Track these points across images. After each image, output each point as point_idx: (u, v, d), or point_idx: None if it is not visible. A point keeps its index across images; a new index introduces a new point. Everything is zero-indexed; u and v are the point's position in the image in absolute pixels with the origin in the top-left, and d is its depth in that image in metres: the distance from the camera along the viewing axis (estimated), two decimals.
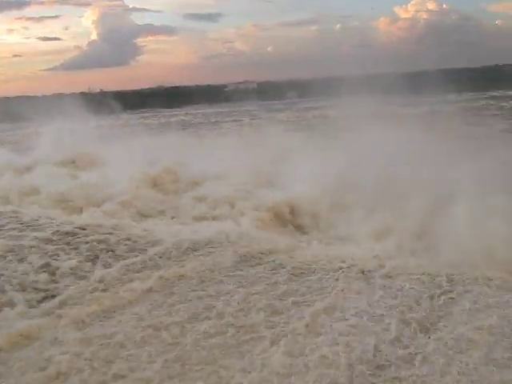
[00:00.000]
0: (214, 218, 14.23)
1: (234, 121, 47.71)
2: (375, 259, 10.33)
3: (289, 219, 14.18)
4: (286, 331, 7.55)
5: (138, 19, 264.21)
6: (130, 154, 20.72)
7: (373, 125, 18.36)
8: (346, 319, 7.90)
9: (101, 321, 8.13)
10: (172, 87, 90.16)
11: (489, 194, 11.36)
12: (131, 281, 9.49)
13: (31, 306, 8.59)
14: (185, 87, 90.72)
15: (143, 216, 14.89)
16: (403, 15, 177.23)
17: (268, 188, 16.08)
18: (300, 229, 13.82)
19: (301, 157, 17.59)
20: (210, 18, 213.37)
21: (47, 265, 10.07)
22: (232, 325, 7.78)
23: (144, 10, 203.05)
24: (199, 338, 7.49)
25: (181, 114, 64.02)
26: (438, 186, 12.85)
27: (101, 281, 9.50)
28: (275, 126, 30.45)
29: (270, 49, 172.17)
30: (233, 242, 11.33)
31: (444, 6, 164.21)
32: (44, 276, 9.62)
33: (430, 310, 8.16)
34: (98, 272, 9.86)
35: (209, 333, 7.60)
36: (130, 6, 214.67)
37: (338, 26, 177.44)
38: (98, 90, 76.88)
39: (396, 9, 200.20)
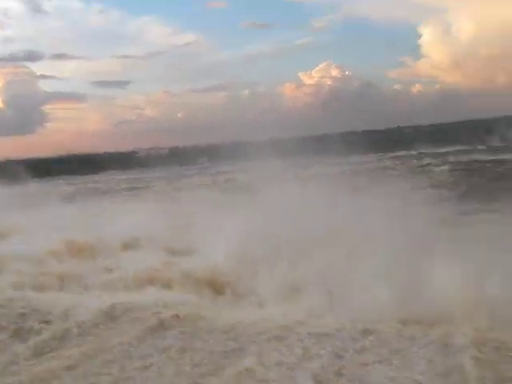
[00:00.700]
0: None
1: (147, 187, 47.35)
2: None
3: (212, 286, 14.08)
4: None
5: (46, 86, 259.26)
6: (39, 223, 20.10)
7: (281, 186, 18.84)
8: None
9: None
10: (82, 154, 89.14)
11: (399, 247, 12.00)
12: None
13: None
14: (95, 154, 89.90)
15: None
16: (308, 81, 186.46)
17: (186, 255, 15.95)
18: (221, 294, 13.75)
19: (214, 219, 17.60)
20: (119, 85, 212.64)
21: None
22: None
23: (52, 77, 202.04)
24: None
25: (92, 181, 62.84)
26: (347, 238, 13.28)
27: None
28: (187, 191, 30.55)
29: (180, 115, 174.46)
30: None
31: (347, 72, 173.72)
32: None
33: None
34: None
35: None
36: (38, 74, 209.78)
37: (246, 91, 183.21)
38: (4, 159, 74.28)
39: (301, 74, 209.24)
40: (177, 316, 10.96)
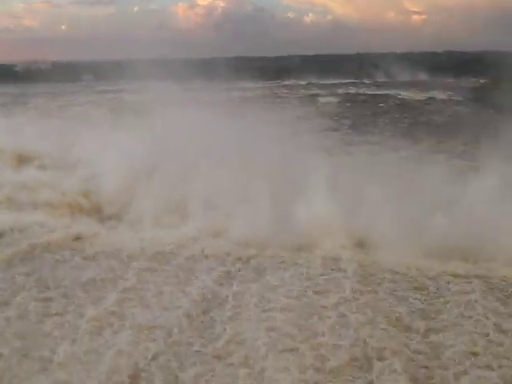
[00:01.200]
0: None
1: (26, 103, 44.27)
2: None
3: (88, 207, 13.64)
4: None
5: None
6: None
7: (176, 110, 18.28)
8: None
9: None
10: None
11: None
12: None
13: None
14: None
15: None
16: (201, 2, 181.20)
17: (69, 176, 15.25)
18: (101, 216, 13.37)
19: (105, 142, 16.83)
20: None
21: None
22: None
23: None
24: None
25: None
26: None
27: None
28: (71, 108, 28.97)
29: (63, 27, 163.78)
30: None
31: None
32: None
33: None
34: None
35: None
36: None
37: (136, 8, 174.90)
38: None
39: None
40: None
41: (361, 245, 10.49)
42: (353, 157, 18.49)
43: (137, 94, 33.13)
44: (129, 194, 13.24)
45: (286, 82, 63.55)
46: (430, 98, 44.12)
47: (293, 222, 10.78)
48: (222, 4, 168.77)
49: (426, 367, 6.55)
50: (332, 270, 9.53)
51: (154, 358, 6.73)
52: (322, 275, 9.33)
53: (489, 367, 6.46)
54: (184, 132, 15.98)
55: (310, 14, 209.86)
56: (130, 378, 6.28)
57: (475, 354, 6.74)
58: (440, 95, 45.93)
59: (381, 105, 39.72)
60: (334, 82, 62.94)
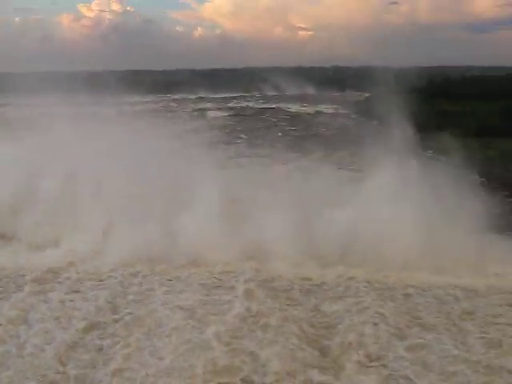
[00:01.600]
0: None
1: None
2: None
3: None
4: None
5: None
6: None
7: (65, 124, 17.52)
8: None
9: None
10: None
11: None
12: None
13: None
14: None
15: None
16: (87, 13, 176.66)
17: None
18: None
19: None
20: None
21: None
22: None
23: None
24: None
25: None
26: None
27: None
28: None
29: None
30: None
31: (128, 8, 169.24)
32: None
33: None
34: None
35: None
36: None
37: (18, 19, 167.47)
38: None
39: (80, 6, 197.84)
40: None
41: (251, 256, 10.54)
42: (244, 169, 18.66)
43: (21, 108, 31.52)
44: (6, 215, 12.53)
45: (176, 96, 63.30)
46: (318, 111, 45.73)
47: (181, 238, 10.68)
48: (108, 16, 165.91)
49: None
50: (220, 284, 9.58)
51: None
52: (212, 289, 9.35)
53: None
54: (70, 148, 15.34)
55: (198, 28, 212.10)
56: None
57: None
58: (328, 109, 47.73)
59: (271, 118, 40.52)
60: (224, 95, 63.66)
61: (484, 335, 7.74)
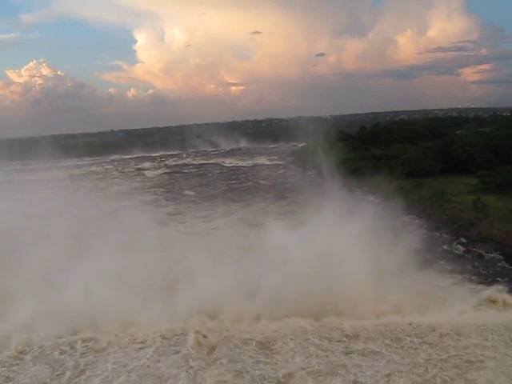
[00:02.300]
0: None
1: None
2: None
3: None
4: None
5: None
6: None
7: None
8: None
9: None
10: None
11: None
12: None
13: None
14: None
15: None
16: (17, 79, 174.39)
17: None
18: None
19: None
20: None
21: None
22: None
23: None
24: None
25: None
26: None
27: None
28: None
29: None
30: None
31: (59, 72, 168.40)
32: None
33: None
34: None
35: None
36: None
37: None
38: None
39: (9, 72, 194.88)
40: None
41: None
42: (185, 225, 18.61)
43: None
44: None
45: (113, 157, 62.60)
46: (255, 164, 46.22)
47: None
48: (39, 81, 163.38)
49: None
50: None
51: None
52: None
53: None
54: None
55: (131, 89, 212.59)
56: None
57: None
58: (264, 161, 48.40)
59: (209, 174, 40.62)
60: (160, 154, 63.62)
61: None
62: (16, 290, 11.21)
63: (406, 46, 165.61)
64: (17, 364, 9.40)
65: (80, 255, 12.06)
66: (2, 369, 9.27)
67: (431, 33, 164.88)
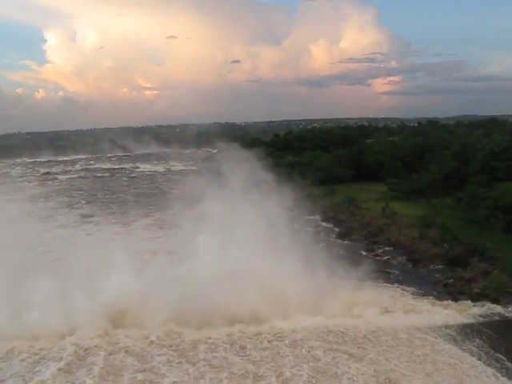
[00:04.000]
0: None
1: None
2: None
3: None
4: None
5: None
6: None
7: None
8: None
9: None
10: None
11: None
12: None
13: None
14: None
15: None
16: None
17: None
18: None
19: None
20: None
21: None
22: None
23: None
24: None
25: None
26: None
27: None
28: None
29: None
30: None
31: None
32: None
33: None
34: None
35: None
36: None
37: None
38: None
39: None
40: None
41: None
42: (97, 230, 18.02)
43: None
44: None
45: (18, 160, 59.87)
46: (168, 169, 45.68)
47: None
48: None
49: None
50: None
51: None
52: None
53: None
54: None
55: (40, 90, 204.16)
56: None
57: None
58: (178, 166, 47.86)
59: (120, 179, 39.75)
60: (71, 158, 61.51)
61: None
62: None
63: (320, 56, 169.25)
64: None
65: None
66: None
67: (344, 44, 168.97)
